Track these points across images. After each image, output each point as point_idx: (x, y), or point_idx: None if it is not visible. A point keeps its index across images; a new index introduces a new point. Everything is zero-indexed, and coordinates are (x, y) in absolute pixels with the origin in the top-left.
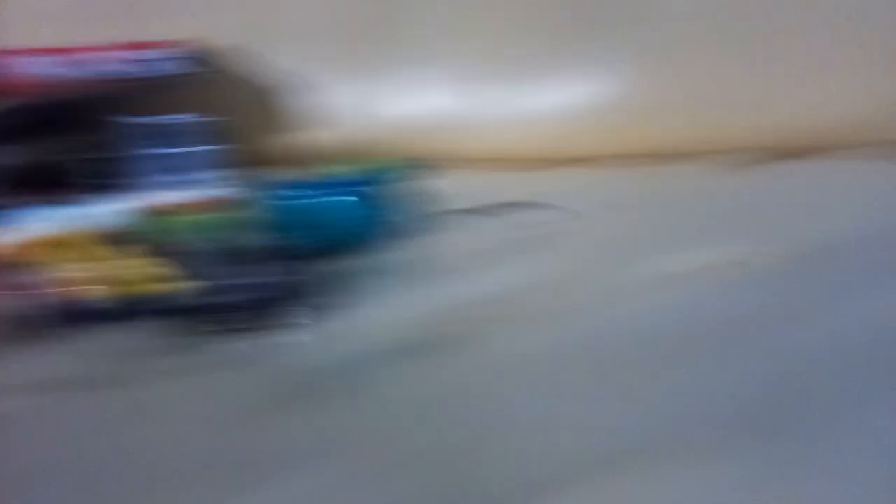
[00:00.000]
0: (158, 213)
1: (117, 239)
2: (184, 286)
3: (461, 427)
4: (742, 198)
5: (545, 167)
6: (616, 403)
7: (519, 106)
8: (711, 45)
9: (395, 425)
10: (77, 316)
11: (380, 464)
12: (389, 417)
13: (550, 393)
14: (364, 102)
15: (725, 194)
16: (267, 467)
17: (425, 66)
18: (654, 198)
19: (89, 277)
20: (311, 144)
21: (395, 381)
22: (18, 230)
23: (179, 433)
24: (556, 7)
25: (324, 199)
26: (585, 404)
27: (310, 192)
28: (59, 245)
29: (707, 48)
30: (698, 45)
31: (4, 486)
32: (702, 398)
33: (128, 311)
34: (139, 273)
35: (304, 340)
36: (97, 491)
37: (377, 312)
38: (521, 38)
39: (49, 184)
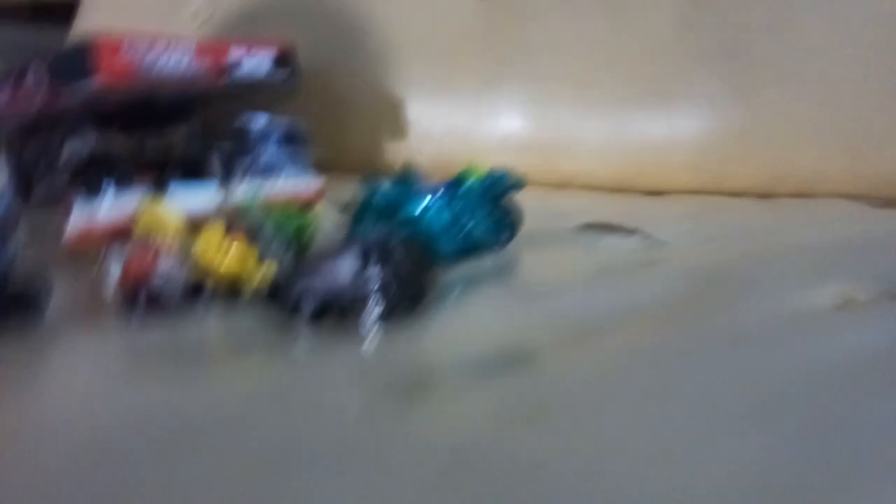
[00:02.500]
0: (250, 202)
1: (205, 223)
2: (267, 274)
3: (534, 446)
4: (833, 237)
5: (622, 196)
6: (729, 444)
7: (597, 134)
8: (810, 88)
9: (470, 440)
10: (164, 296)
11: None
12: (466, 431)
13: (644, 425)
14: (444, 121)
15: (817, 232)
16: (351, 458)
17: (508, 89)
18: (747, 232)
19: (175, 257)
20: (387, 155)
21: (475, 396)
22: (110, 208)
23: (271, 417)
24: (648, 42)
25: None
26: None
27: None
28: (147, 224)
29: (804, 90)
30: (794, 86)
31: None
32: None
33: (211, 294)
34: (225, 257)
35: (380, 343)
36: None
37: (463, 322)
38: (611, 68)
39: (140, 170)
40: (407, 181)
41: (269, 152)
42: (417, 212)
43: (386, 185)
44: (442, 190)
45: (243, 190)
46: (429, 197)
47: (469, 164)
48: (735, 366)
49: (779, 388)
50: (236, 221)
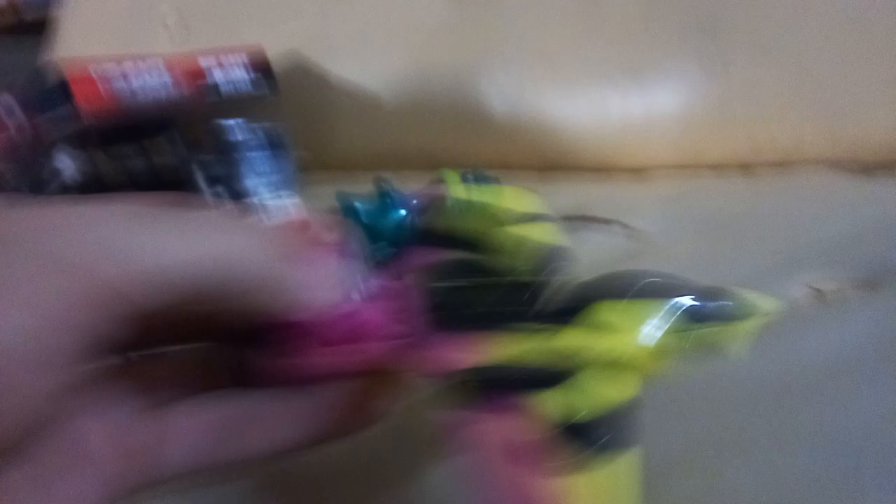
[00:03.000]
0: None
1: None
2: None
3: None
4: (809, 218)
5: (605, 179)
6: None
7: (576, 116)
8: (784, 59)
9: None
10: None
11: None
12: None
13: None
14: (425, 113)
15: (793, 214)
16: None
17: (485, 77)
18: (725, 216)
19: None
20: (370, 148)
21: None
22: None
23: None
24: (625, 16)
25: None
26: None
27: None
28: None
29: (778, 61)
30: (768, 58)
31: None
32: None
33: None
34: None
35: None
36: None
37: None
38: (583, 45)
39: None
40: (383, 195)
41: (253, 159)
42: (393, 223)
43: (361, 199)
44: (416, 200)
45: None
46: (404, 207)
47: (443, 169)
48: (714, 377)
49: (758, 397)
50: None
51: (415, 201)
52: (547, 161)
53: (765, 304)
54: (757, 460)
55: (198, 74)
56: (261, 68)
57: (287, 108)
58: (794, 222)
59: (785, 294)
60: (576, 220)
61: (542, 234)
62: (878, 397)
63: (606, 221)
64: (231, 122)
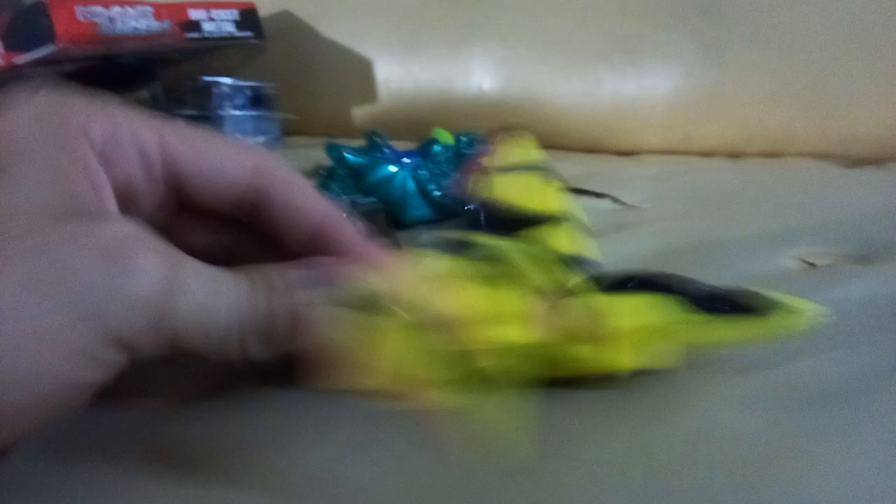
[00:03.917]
0: None
1: None
2: None
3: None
4: (801, 199)
5: (595, 156)
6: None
7: (568, 94)
8: (780, 49)
9: None
10: None
11: None
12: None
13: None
14: (415, 82)
15: (785, 194)
16: None
17: (479, 48)
18: (716, 194)
19: None
20: (357, 116)
21: None
22: None
23: None
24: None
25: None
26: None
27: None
28: None
29: (774, 51)
30: (764, 47)
31: None
32: None
33: None
34: None
35: None
36: None
37: None
38: (582, 25)
39: None
40: (373, 147)
41: (234, 115)
42: (384, 178)
43: (352, 151)
44: (409, 156)
45: None
46: (396, 163)
47: (437, 128)
48: None
49: (754, 356)
50: None
51: (406, 159)
52: (536, 139)
53: (800, 306)
54: (755, 411)
55: (185, 20)
56: (250, 21)
57: (275, 70)
58: (784, 202)
59: (776, 266)
60: (567, 192)
61: (568, 243)
62: (874, 357)
63: (598, 195)
64: (216, 79)
